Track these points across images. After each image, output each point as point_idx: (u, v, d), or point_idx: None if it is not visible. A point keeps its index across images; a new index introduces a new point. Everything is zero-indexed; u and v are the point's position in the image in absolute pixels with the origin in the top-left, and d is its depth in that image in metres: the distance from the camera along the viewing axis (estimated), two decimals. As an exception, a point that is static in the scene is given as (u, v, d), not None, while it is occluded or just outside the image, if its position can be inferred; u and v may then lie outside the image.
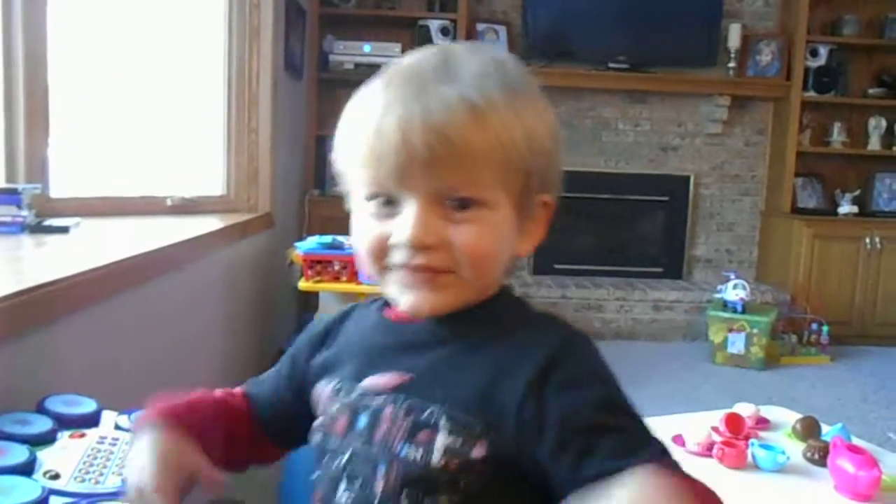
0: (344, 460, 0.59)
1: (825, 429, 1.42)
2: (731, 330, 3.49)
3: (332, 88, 3.71)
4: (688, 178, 4.16)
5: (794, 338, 3.68)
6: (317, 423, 0.63)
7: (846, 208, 4.06)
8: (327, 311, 2.65)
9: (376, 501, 0.56)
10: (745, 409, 1.45)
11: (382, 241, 0.57)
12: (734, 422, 1.36)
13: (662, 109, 4.12)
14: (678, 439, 1.33)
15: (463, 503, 0.54)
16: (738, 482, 1.22)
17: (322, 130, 3.71)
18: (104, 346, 1.42)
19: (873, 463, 1.16)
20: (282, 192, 3.00)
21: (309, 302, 2.95)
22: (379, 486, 0.56)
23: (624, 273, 4.12)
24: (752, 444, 1.29)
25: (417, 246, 0.56)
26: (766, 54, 4.07)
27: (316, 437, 0.63)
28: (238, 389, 0.73)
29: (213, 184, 2.61)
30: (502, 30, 3.89)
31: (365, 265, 0.60)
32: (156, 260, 1.65)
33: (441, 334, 0.59)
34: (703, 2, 4.00)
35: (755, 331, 3.47)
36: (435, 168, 0.54)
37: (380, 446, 0.57)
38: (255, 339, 2.73)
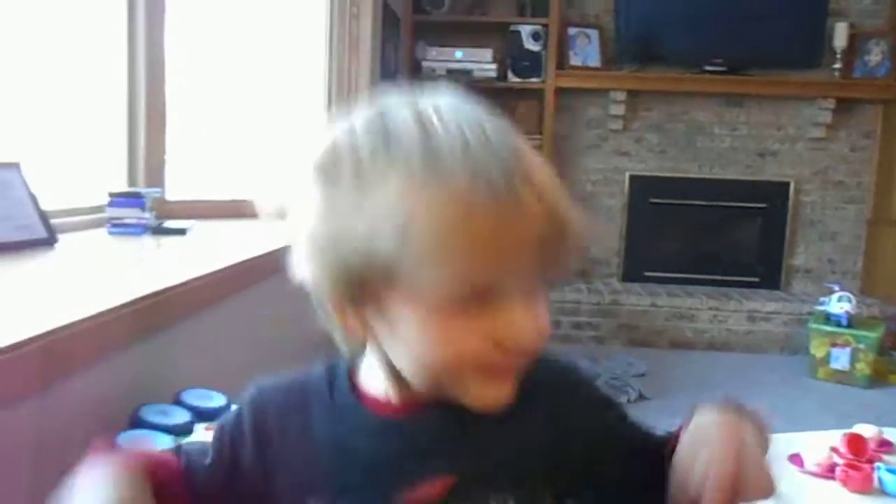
0: None
1: (957, 454, 1.34)
2: (834, 344, 3.32)
3: (423, 94, 3.76)
4: (787, 184, 3.99)
5: (904, 355, 3.47)
6: None
7: (964, 217, 3.80)
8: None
9: None
10: (866, 431, 1.37)
11: (483, 344, 0.47)
12: (856, 443, 1.29)
13: (760, 113, 3.97)
14: (796, 459, 1.28)
15: None
16: (863, 507, 1.16)
17: (412, 136, 3.76)
18: (224, 344, 1.48)
19: None
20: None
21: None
22: None
23: (718, 282, 3.99)
24: (878, 468, 1.23)
25: (533, 346, 0.47)
26: (875, 54, 3.86)
27: None
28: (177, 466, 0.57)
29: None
30: (594, 33, 3.85)
31: (433, 374, 0.49)
32: (268, 261, 1.71)
33: (457, 421, 0.51)
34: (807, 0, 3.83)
35: (861, 346, 3.29)
36: (548, 245, 0.46)
37: None
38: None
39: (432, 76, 3.70)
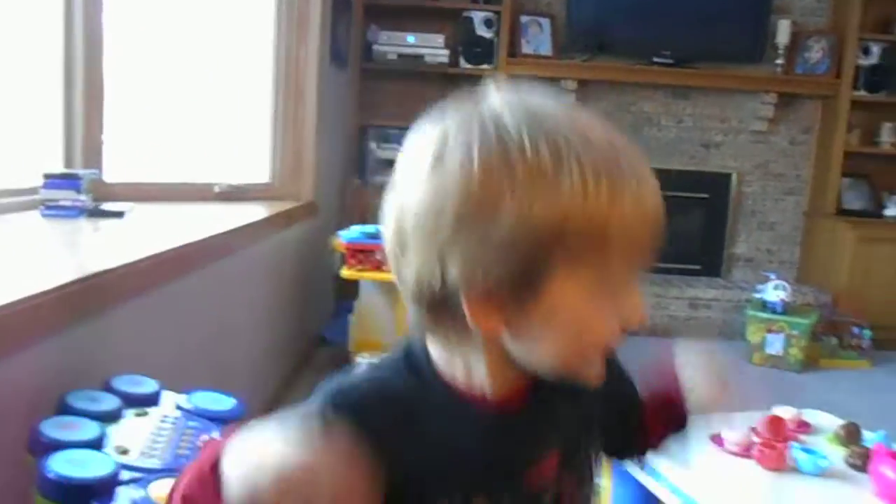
0: None
1: (867, 435, 1.42)
2: (769, 330, 3.45)
3: (375, 79, 3.75)
4: (730, 175, 4.11)
5: (834, 341, 3.62)
6: None
7: (893, 210, 3.98)
8: (367, 299, 2.70)
9: None
10: (785, 413, 1.44)
11: (616, 326, 0.54)
12: (775, 424, 1.36)
13: (706, 105, 4.07)
14: (717, 439, 1.34)
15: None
16: (777, 484, 1.22)
17: (365, 120, 3.75)
18: (159, 329, 1.47)
19: (917, 471, 1.16)
20: (325, 181, 3.05)
21: (347, 289, 3.00)
22: None
23: (661, 270, 4.09)
24: (793, 448, 1.29)
25: (642, 326, 0.56)
26: (815, 51, 3.98)
27: None
28: None
29: (259, 171, 2.66)
30: (546, 22, 3.88)
31: (572, 358, 0.55)
32: (207, 247, 1.70)
33: (548, 403, 0.60)
34: (752, -4, 3.93)
35: (795, 332, 3.42)
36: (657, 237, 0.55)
37: None
38: (296, 325, 2.79)
39: (384, 60, 3.68)
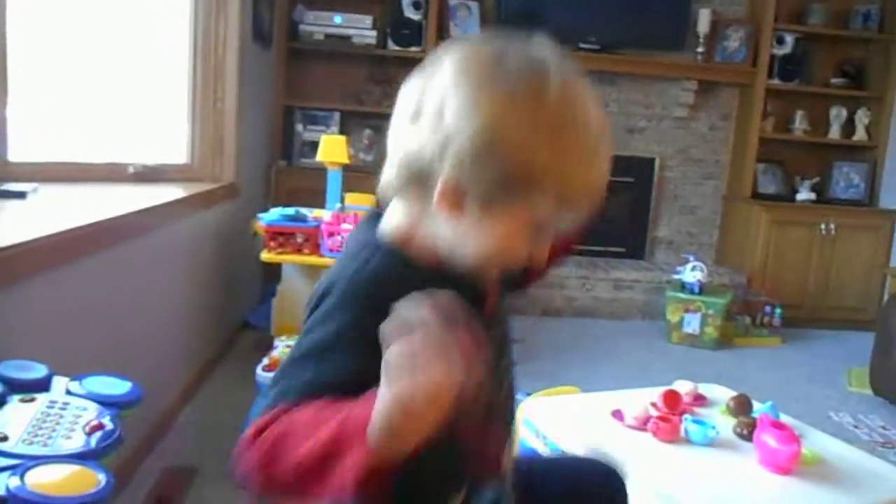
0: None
1: (756, 406, 1.50)
2: (687, 310, 3.59)
3: (301, 59, 3.69)
4: (653, 160, 4.23)
5: (747, 319, 3.80)
6: None
7: (804, 195, 4.17)
8: (289, 283, 2.67)
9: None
10: (683, 387, 1.51)
11: (523, 261, 0.69)
12: (671, 398, 1.43)
13: (630, 91, 4.17)
14: (618, 414, 1.39)
15: None
16: (669, 454, 1.29)
17: (290, 101, 3.69)
18: (58, 312, 1.43)
19: (794, 438, 1.23)
20: (247, 163, 3.00)
21: (273, 274, 2.97)
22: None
23: (588, 252, 4.19)
24: (686, 420, 1.36)
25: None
26: (734, 40, 4.12)
27: None
28: None
29: (177, 152, 2.60)
30: (475, 5, 3.89)
31: (488, 261, 0.69)
32: (115, 228, 1.65)
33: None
34: (675, -15, 4.03)
35: (710, 312, 3.57)
36: None
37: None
38: (218, 310, 2.74)
39: (310, 40, 3.62)
